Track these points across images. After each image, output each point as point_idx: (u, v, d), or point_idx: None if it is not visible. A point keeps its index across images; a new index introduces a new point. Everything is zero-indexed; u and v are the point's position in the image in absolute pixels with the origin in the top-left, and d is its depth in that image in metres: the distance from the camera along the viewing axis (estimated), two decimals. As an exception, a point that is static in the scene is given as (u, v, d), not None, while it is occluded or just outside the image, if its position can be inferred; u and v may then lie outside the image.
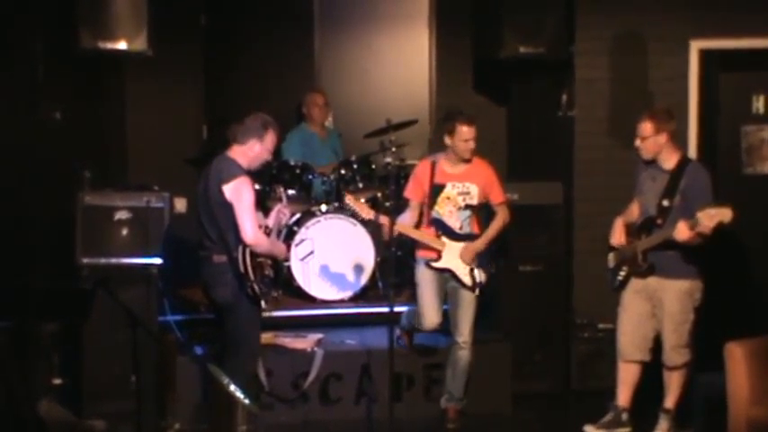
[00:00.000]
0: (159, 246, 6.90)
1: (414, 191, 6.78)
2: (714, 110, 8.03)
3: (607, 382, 6.96)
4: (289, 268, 7.93)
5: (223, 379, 5.60)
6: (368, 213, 6.64)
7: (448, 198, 6.70)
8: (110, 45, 7.08)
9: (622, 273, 6.46)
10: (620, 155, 7.56)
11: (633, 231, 6.44)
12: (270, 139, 6.15)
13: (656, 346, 6.43)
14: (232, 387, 5.55)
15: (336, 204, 8.15)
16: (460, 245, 6.70)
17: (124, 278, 6.80)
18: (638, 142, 6.31)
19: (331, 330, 7.55)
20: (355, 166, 8.17)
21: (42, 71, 6.98)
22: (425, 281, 6.75)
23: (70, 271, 6.90)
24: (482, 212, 6.84)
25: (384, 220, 6.52)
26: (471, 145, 6.63)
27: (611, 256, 6.58)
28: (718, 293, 6.60)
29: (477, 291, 6.71)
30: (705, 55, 7.93)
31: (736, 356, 5.89)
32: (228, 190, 5.94)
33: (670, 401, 6.42)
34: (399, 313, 7.13)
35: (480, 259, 6.72)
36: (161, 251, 6.89)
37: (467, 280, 6.70)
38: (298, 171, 8.13)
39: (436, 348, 7.12)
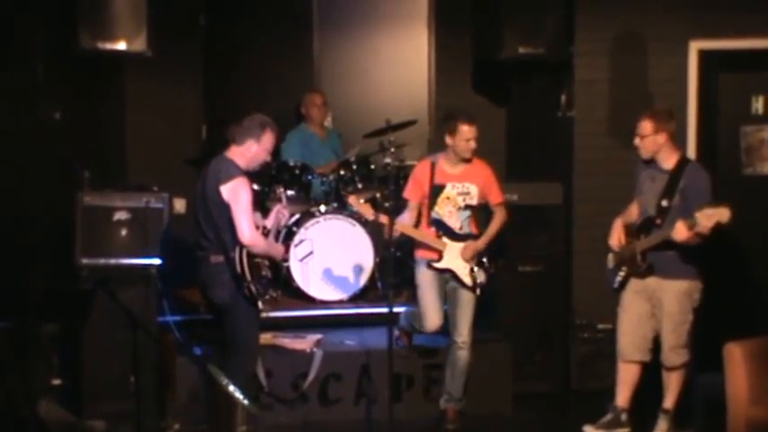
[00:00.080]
0: (158, 246, 6.90)
1: (413, 191, 6.78)
2: (713, 110, 8.04)
3: (607, 383, 6.95)
4: (288, 269, 7.92)
5: (222, 379, 5.60)
6: (371, 214, 6.63)
7: (448, 198, 6.70)
8: (109, 45, 7.09)
9: (622, 273, 6.47)
10: (620, 155, 7.57)
11: (632, 232, 6.44)
12: (267, 139, 6.15)
13: (656, 346, 6.43)
14: (231, 387, 5.55)
15: (336, 205, 8.15)
16: (461, 245, 6.71)
17: (123, 278, 6.80)
18: (637, 141, 6.32)
19: (330, 331, 7.55)
20: (354, 167, 8.17)
21: (42, 71, 6.98)
22: (426, 282, 6.75)
23: (70, 271, 6.89)
24: (480, 213, 6.84)
25: (387, 220, 6.52)
26: (472, 144, 6.63)
27: (610, 257, 6.58)
28: (717, 294, 6.60)
29: (477, 291, 6.72)
30: (704, 55, 7.94)
31: (736, 357, 5.89)
32: (226, 190, 5.94)
33: (669, 402, 6.42)
34: (398, 314, 7.14)
35: (480, 259, 6.73)
36: (160, 251, 6.89)
37: (467, 280, 6.70)
38: (297, 171, 8.13)
39: (435, 349, 7.12)
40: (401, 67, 9.21)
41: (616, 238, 6.50)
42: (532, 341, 7.61)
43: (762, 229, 7.95)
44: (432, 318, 6.71)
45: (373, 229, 7.86)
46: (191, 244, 6.28)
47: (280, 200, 6.59)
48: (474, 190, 6.73)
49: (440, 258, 6.70)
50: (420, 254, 6.80)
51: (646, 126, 6.25)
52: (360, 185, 8.11)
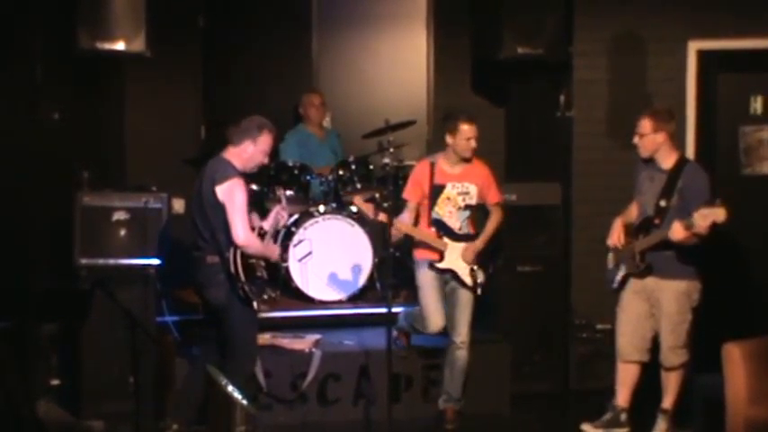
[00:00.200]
0: (155, 246, 6.90)
1: (412, 192, 6.77)
2: (712, 110, 8.04)
3: (606, 383, 6.96)
4: (287, 269, 7.92)
5: (221, 380, 5.60)
6: (375, 215, 6.62)
7: (448, 198, 6.71)
8: (108, 46, 7.09)
9: (621, 273, 6.47)
10: (619, 155, 7.57)
11: (632, 231, 6.45)
12: (264, 140, 6.15)
13: (655, 346, 6.44)
14: (230, 388, 5.54)
15: (334, 205, 8.15)
16: (461, 245, 6.71)
17: (122, 279, 6.80)
18: (636, 139, 6.33)
19: (329, 331, 7.55)
20: (353, 167, 8.16)
21: (41, 71, 7.00)
22: (428, 283, 6.74)
23: (69, 271, 6.89)
24: (478, 213, 6.84)
25: (388, 220, 6.52)
26: (473, 144, 6.64)
27: (610, 257, 6.59)
28: (716, 294, 6.61)
29: (478, 290, 6.72)
30: (703, 56, 7.94)
31: (734, 357, 5.89)
32: (221, 191, 5.95)
33: (668, 402, 6.43)
34: (397, 314, 7.14)
35: (480, 259, 6.73)
36: (158, 251, 6.89)
37: (468, 280, 6.70)
38: (296, 172, 8.13)
39: (434, 349, 7.11)
40: (400, 67, 9.20)
41: (615, 237, 6.51)
42: (532, 341, 7.62)
43: (761, 229, 7.96)
44: (434, 319, 6.70)
45: (373, 229, 7.86)
46: (189, 244, 6.28)
47: (279, 201, 6.57)
48: (473, 190, 6.73)
49: (441, 259, 6.70)
50: (420, 254, 6.79)
51: (645, 125, 6.26)
52: (358, 186, 8.11)
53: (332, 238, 8.01)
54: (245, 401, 5.58)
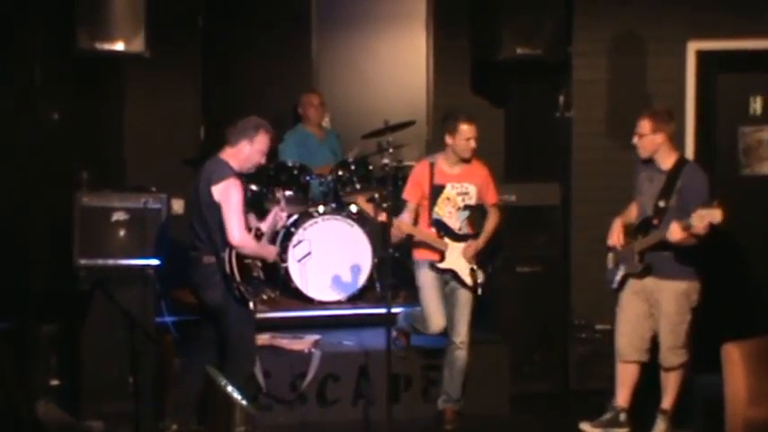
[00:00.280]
0: (153, 246, 6.90)
1: (412, 192, 6.77)
2: (712, 111, 8.04)
3: (605, 383, 6.96)
4: (286, 269, 7.92)
5: (220, 380, 5.59)
6: (378, 216, 6.60)
7: (448, 199, 6.71)
8: (107, 46, 7.09)
9: (620, 273, 6.47)
10: (619, 156, 7.56)
11: (631, 232, 6.45)
12: (261, 140, 6.15)
13: (654, 346, 6.44)
14: (229, 388, 5.54)
15: (334, 205, 8.15)
16: (462, 245, 6.71)
17: (122, 279, 6.80)
18: (635, 140, 6.34)
19: (328, 331, 7.55)
20: (353, 167, 8.16)
21: (40, 72, 6.99)
22: (429, 284, 6.74)
23: (68, 272, 6.89)
24: (476, 214, 6.84)
25: (394, 222, 6.53)
26: (472, 144, 6.64)
27: (610, 257, 6.59)
28: (716, 294, 6.61)
29: (479, 290, 6.72)
30: (702, 56, 7.94)
31: (734, 358, 5.89)
32: (217, 191, 5.96)
33: (667, 402, 6.43)
34: (396, 314, 7.14)
35: (479, 259, 6.73)
36: (156, 252, 6.89)
37: (468, 280, 6.71)
38: (295, 172, 8.13)
39: (434, 349, 7.11)
40: (399, 67, 9.21)
41: (615, 237, 6.51)
42: (531, 341, 7.62)
43: (760, 229, 7.96)
44: (436, 320, 6.69)
45: (372, 229, 7.86)
46: (188, 245, 6.28)
47: (278, 202, 6.57)
48: (472, 190, 6.73)
49: (442, 259, 6.70)
50: (421, 255, 6.79)
51: (644, 125, 6.27)
52: (358, 186, 8.11)
53: (331, 239, 8.01)
54: (244, 402, 5.58)
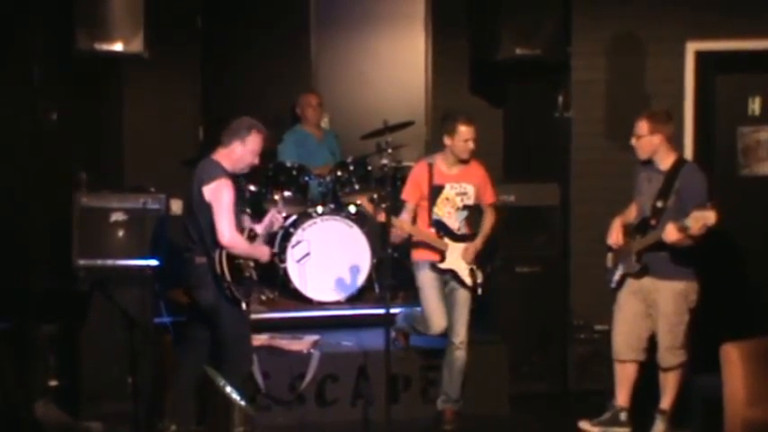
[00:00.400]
0: (149, 246, 6.91)
1: (411, 193, 6.77)
2: (710, 111, 8.03)
3: (604, 383, 6.96)
4: (285, 270, 7.92)
5: (219, 381, 5.59)
6: (381, 216, 6.59)
7: (447, 199, 6.71)
8: (106, 47, 7.10)
9: (618, 273, 6.48)
10: (618, 156, 7.56)
11: (630, 232, 6.46)
12: (253, 141, 6.15)
13: (653, 346, 6.44)
14: (228, 389, 5.54)
15: (333, 206, 8.15)
16: (462, 245, 6.72)
17: (121, 279, 6.80)
18: (633, 141, 6.36)
19: (327, 332, 7.55)
20: (351, 168, 8.16)
21: (39, 72, 6.98)
22: (429, 285, 6.73)
23: (67, 272, 6.89)
24: (474, 214, 6.85)
25: (396, 222, 6.53)
26: (471, 145, 6.64)
27: (609, 256, 6.60)
28: (714, 295, 6.61)
29: (479, 290, 6.73)
30: (701, 56, 7.93)
31: (733, 358, 5.89)
32: (208, 191, 5.96)
33: (666, 402, 6.43)
34: (395, 315, 7.14)
35: (478, 259, 6.74)
36: (154, 252, 6.89)
37: (468, 280, 6.71)
38: (294, 173, 8.13)
39: (433, 349, 7.11)
40: (398, 68, 9.21)
41: (614, 237, 6.51)
42: (530, 342, 7.62)
43: (759, 229, 7.95)
44: (437, 320, 6.69)
45: (371, 229, 7.86)
46: (182, 245, 6.28)
47: (275, 204, 6.56)
48: (471, 190, 6.74)
49: (442, 259, 6.70)
50: (420, 255, 6.78)
51: (642, 126, 6.28)
52: (357, 186, 8.11)
53: (330, 239, 8.01)
54: (243, 402, 5.58)
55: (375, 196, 7.93)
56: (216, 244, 5.96)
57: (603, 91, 8.00)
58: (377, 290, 8.06)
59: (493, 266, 6.99)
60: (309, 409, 6.97)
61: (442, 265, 6.71)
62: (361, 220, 8.02)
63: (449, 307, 6.74)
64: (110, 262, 6.91)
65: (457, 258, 6.71)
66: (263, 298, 7.93)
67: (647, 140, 6.28)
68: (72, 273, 6.88)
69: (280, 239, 8.01)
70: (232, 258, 6.01)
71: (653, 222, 6.26)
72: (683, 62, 7.93)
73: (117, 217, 6.95)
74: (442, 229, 6.71)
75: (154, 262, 6.88)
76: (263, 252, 6.31)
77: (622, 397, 6.57)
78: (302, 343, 7.17)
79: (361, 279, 8.03)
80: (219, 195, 5.95)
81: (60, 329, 6.91)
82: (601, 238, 6.62)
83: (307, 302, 7.95)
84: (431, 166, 6.72)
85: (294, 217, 8.08)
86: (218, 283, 5.98)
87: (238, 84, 8.91)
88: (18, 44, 6.97)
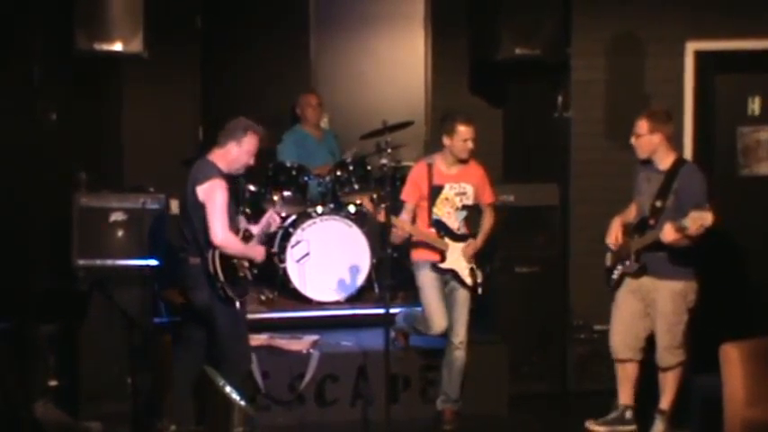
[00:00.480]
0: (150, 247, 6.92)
1: (410, 193, 6.77)
2: (710, 111, 8.03)
3: (604, 383, 6.97)
4: (285, 270, 7.92)
5: (219, 381, 5.59)
6: (383, 217, 6.58)
7: (446, 199, 6.71)
8: (106, 47, 7.10)
9: (617, 272, 6.48)
10: (617, 156, 7.56)
11: (629, 231, 6.46)
12: (249, 142, 6.15)
13: (651, 346, 6.44)
14: (228, 389, 5.54)
15: (332, 206, 8.15)
16: (461, 245, 6.72)
17: (120, 279, 6.80)
18: (633, 140, 6.36)
19: (327, 332, 7.54)
20: (351, 168, 8.16)
21: (39, 72, 6.98)
22: (430, 285, 6.73)
23: (67, 272, 6.89)
24: (473, 213, 6.85)
25: (397, 222, 6.52)
26: (470, 145, 6.64)
27: (608, 256, 6.60)
28: (714, 294, 6.61)
29: (479, 290, 6.73)
30: (701, 56, 7.93)
31: (732, 358, 5.89)
32: (202, 191, 5.97)
33: (665, 403, 6.43)
34: (395, 315, 7.14)
35: (477, 259, 6.74)
36: (152, 252, 6.90)
37: (469, 280, 6.72)
38: (293, 173, 8.13)
39: (432, 349, 7.10)
40: (398, 68, 9.21)
41: (613, 236, 6.51)
42: (530, 342, 7.61)
43: (759, 229, 7.95)
44: (438, 320, 6.68)
45: (371, 229, 7.86)
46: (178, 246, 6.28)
47: (273, 204, 6.56)
48: (470, 190, 6.74)
49: (443, 259, 6.70)
50: (420, 255, 6.78)
51: (642, 125, 6.29)
52: (356, 186, 8.10)
53: (330, 239, 8.00)
54: (242, 402, 5.58)
55: (375, 196, 7.96)
56: (209, 244, 5.96)
57: (603, 91, 7.99)
58: (376, 290, 8.06)
59: (492, 266, 6.99)
60: (309, 410, 6.97)
61: (443, 265, 6.71)
62: (360, 220, 8.02)
63: (448, 307, 6.74)
64: (109, 262, 6.91)
65: (457, 258, 6.72)
66: (263, 298, 7.93)
67: (647, 139, 6.28)
68: (72, 273, 6.88)
69: (279, 239, 8.01)
70: (226, 258, 6.01)
71: (651, 222, 6.26)
72: (683, 62, 7.94)
73: (116, 217, 6.95)
74: (441, 229, 6.70)
75: (153, 262, 6.88)
76: (257, 252, 6.30)
77: (626, 396, 6.57)
78: (302, 343, 7.17)
79: (360, 279, 8.03)
80: (213, 195, 5.95)
81: (60, 329, 6.91)
82: (600, 238, 6.62)
83: (306, 302, 7.95)
84: (430, 166, 6.72)
85: (294, 217, 8.08)
86: (212, 283, 5.98)
87: (238, 84, 8.91)
88: (18, 44, 6.97)
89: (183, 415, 6.33)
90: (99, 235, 6.92)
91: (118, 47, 7.12)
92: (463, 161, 6.70)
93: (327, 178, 8.19)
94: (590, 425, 6.60)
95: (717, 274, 6.75)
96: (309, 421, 6.94)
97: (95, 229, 6.91)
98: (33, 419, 6.35)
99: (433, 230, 6.69)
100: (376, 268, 8.03)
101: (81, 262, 6.87)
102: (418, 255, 6.79)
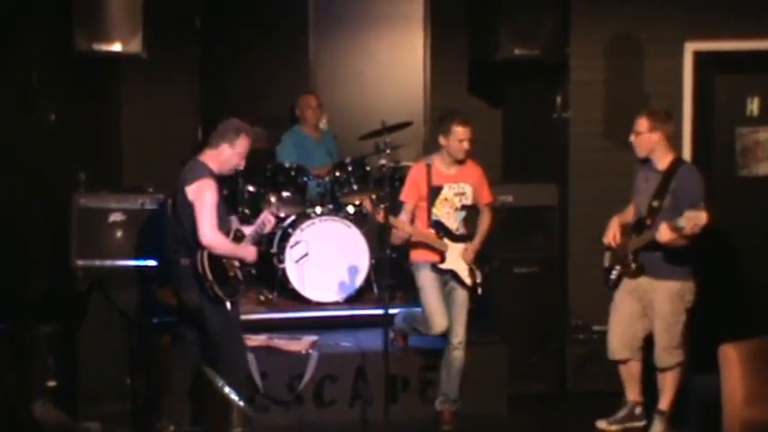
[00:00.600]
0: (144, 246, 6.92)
1: (409, 194, 6.76)
2: (709, 112, 8.03)
3: (603, 383, 6.97)
4: (283, 270, 7.92)
5: (218, 381, 5.59)
6: (382, 217, 6.57)
7: (446, 199, 6.71)
8: (105, 47, 7.10)
9: (615, 272, 6.49)
10: (616, 156, 7.56)
11: (627, 231, 6.46)
12: (241, 144, 6.16)
13: (649, 346, 6.44)
14: (226, 389, 5.54)
15: (331, 206, 8.15)
16: (461, 245, 6.72)
17: (119, 280, 6.80)
18: (632, 138, 6.37)
19: (326, 332, 7.54)
20: (350, 168, 8.16)
21: (38, 72, 6.98)
22: (430, 285, 6.72)
23: (66, 273, 6.89)
24: (471, 214, 6.85)
25: (398, 223, 6.52)
26: (466, 145, 6.63)
27: (606, 256, 6.60)
28: (713, 295, 6.61)
29: (479, 290, 6.73)
30: (700, 57, 7.93)
31: (731, 358, 5.89)
32: (191, 190, 5.98)
33: (664, 403, 6.43)
34: (394, 315, 7.14)
35: (476, 259, 6.74)
36: (151, 252, 6.91)
37: (468, 281, 6.72)
38: (292, 173, 8.13)
39: (431, 350, 7.10)
40: (397, 68, 9.21)
41: (611, 236, 6.51)
42: (529, 342, 7.61)
43: (757, 229, 7.95)
44: (438, 320, 6.68)
45: (370, 230, 7.86)
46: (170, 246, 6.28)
47: (269, 205, 6.55)
48: (468, 190, 6.74)
49: (442, 260, 6.70)
50: (420, 256, 6.77)
51: (642, 123, 6.30)
52: (355, 187, 8.11)
53: (328, 240, 8.00)
54: (241, 403, 5.58)
55: (374, 197, 7.96)
56: (198, 244, 5.96)
57: (602, 91, 8.00)
58: (375, 290, 8.06)
59: (491, 267, 6.99)
60: (308, 410, 6.97)
61: (443, 266, 6.71)
62: (359, 220, 8.02)
63: (447, 307, 6.74)
64: (108, 262, 6.91)
65: (457, 258, 6.72)
66: (262, 298, 7.93)
67: (646, 138, 6.28)
68: (71, 273, 6.88)
69: (278, 240, 8.01)
70: (215, 258, 6.01)
71: (648, 222, 6.26)
72: (682, 62, 7.94)
73: (116, 217, 6.95)
74: (441, 229, 6.70)
75: (152, 262, 6.88)
76: (248, 252, 6.28)
77: (633, 392, 6.59)
78: (301, 343, 7.17)
79: (359, 279, 8.03)
80: (202, 195, 5.96)
81: (59, 330, 6.91)
82: (599, 238, 6.62)
83: (305, 303, 7.95)
84: (429, 166, 6.72)
85: (293, 217, 8.08)
86: (201, 282, 5.98)
87: (237, 84, 8.91)
88: (17, 45, 6.97)
89: (179, 415, 6.33)
90: (98, 235, 6.92)
91: (117, 47, 7.11)
92: (460, 161, 6.70)
93: (326, 179, 8.19)
94: (601, 425, 6.60)
95: (716, 275, 6.76)
96: (308, 422, 6.94)
97: (94, 229, 6.91)
98: (32, 420, 6.35)
99: (432, 231, 6.69)
100: (375, 269, 8.02)
101: (80, 262, 6.87)
102: (418, 255, 6.79)
